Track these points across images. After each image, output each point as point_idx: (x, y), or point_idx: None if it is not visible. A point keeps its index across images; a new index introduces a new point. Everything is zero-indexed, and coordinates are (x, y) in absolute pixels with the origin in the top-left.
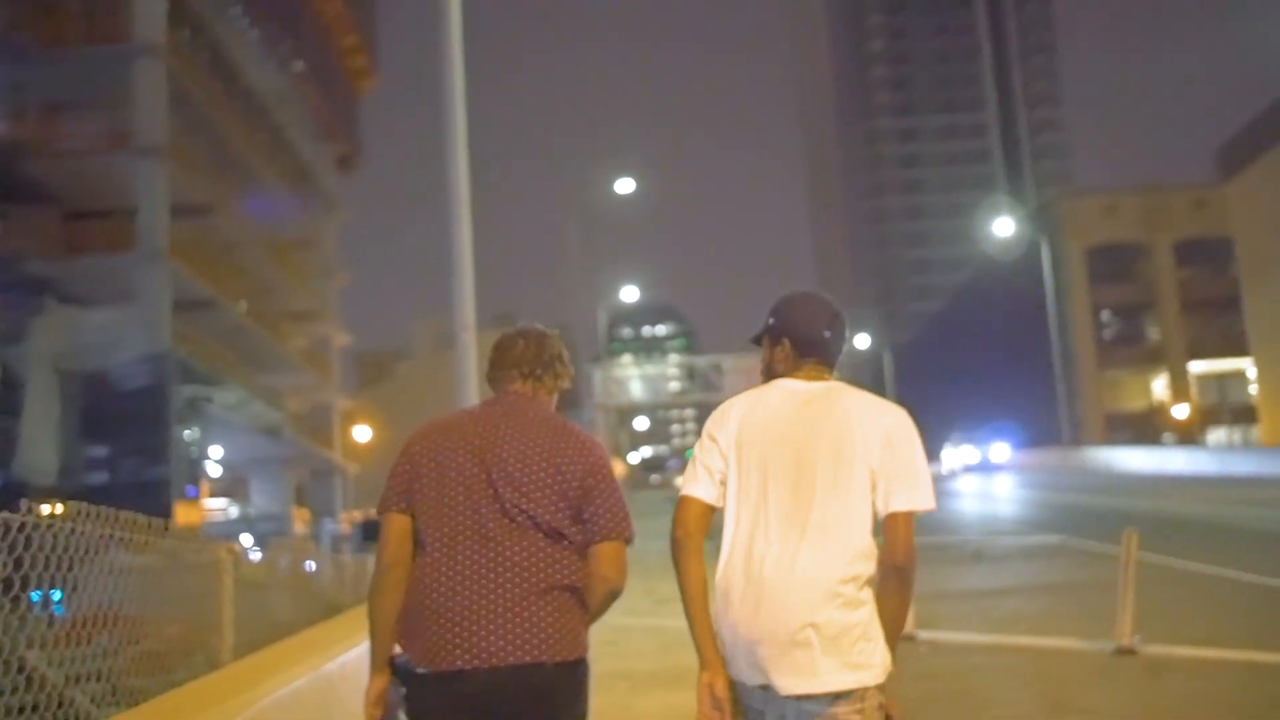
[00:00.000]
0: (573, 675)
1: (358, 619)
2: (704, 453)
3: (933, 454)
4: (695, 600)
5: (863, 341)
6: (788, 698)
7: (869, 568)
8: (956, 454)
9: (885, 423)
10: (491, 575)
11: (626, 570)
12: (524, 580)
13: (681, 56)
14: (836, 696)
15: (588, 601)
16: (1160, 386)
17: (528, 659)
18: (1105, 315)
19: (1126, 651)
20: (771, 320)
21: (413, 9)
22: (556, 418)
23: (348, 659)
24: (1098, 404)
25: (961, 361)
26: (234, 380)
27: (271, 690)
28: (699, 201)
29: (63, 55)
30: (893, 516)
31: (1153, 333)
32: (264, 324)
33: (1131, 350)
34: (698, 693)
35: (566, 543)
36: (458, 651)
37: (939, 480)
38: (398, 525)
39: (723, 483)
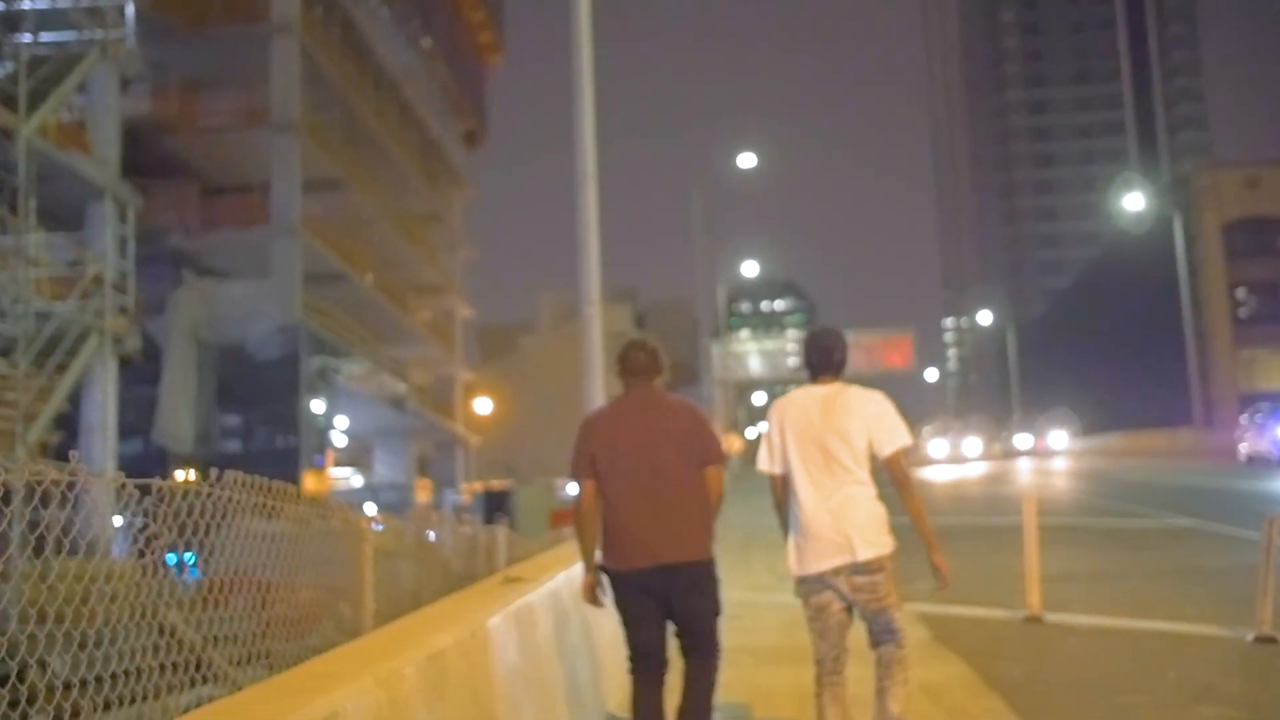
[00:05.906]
0: (707, 569)
1: (493, 590)
2: (769, 438)
3: (1227, 426)
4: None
5: (985, 318)
6: (841, 567)
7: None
8: (1266, 433)
9: (872, 402)
10: (652, 507)
11: (723, 479)
12: (672, 509)
13: (806, 31)
14: (866, 564)
15: (709, 512)
16: None
17: (679, 559)
18: (1241, 293)
19: (1267, 640)
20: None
21: None
22: (671, 398)
23: (493, 623)
24: (1234, 383)
25: (1088, 339)
26: (361, 352)
27: (416, 657)
28: (821, 175)
29: (203, 34)
30: (890, 458)
31: None
32: (390, 297)
33: (1272, 328)
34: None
35: (693, 480)
36: (638, 555)
37: (1241, 465)
38: (588, 486)
39: (784, 456)
